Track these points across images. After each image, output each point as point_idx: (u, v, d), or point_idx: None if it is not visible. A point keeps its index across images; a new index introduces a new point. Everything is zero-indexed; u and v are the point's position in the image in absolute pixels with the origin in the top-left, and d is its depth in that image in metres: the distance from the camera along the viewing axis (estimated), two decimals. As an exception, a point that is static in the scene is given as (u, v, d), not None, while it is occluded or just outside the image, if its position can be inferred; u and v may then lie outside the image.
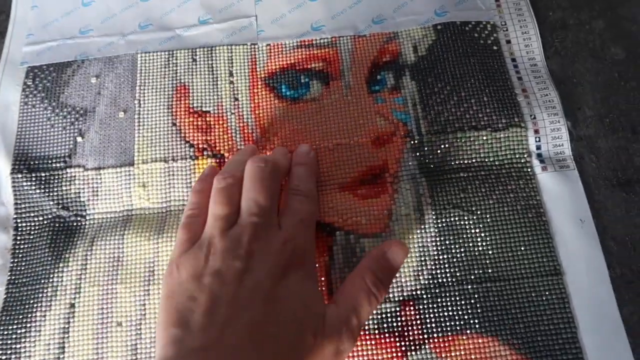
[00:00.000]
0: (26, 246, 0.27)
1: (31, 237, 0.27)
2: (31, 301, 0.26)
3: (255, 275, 0.22)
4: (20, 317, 0.26)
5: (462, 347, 0.25)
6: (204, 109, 0.30)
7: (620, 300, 0.25)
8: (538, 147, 0.29)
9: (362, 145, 0.29)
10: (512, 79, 0.30)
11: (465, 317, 0.25)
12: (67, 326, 0.26)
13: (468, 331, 0.25)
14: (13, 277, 0.27)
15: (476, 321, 0.25)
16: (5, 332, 0.25)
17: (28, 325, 0.26)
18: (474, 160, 0.28)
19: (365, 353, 0.25)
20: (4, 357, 0.25)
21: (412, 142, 0.29)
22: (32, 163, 0.29)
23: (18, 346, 0.25)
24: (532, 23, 0.32)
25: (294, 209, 0.25)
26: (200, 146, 0.29)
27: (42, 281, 0.26)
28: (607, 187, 0.28)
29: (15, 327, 0.26)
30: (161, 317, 0.21)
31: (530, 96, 0.30)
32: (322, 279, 0.26)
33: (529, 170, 0.28)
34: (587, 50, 0.31)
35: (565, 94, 0.30)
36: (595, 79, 0.31)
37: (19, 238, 0.27)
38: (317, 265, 0.26)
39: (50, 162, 0.29)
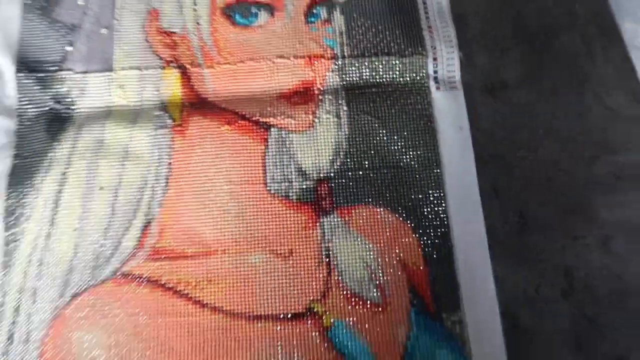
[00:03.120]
0: (27, 129, 0.34)
1: (31, 123, 0.34)
2: (32, 169, 0.33)
3: None
4: (24, 180, 0.33)
5: (361, 214, 0.32)
6: (171, 30, 0.36)
7: (479, 174, 0.33)
8: (435, 72, 0.35)
9: (298, 65, 0.35)
10: (421, 18, 0.37)
11: (365, 193, 0.33)
12: (60, 189, 0.33)
13: (366, 203, 0.33)
14: (18, 152, 0.33)
15: (373, 196, 0.33)
16: (14, 191, 0.32)
17: (30, 187, 0.33)
18: (384, 79, 0.35)
19: (288, 217, 0.32)
20: (14, 208, 0.32)
21: (336, 63, 0.35)
22: (32, 65, 0.35)
23: (23, 201, 0.32)
24: (444, -26, 0.38)
25: None
26: (167, 59, 0.35)
27: (41, 155, 0.33)
28: (480, 97, 0.35)
29: (21, 187, 0.33)
30: None
31: (433, 32, 0.36)
32: (259, 163, 0.33)
33: (426, 88, 0.35)
34: (485, -2, 0.38)
35: (460, 30, 0.36)
36: (484, 17, 0.37)
37: (21, 123, 0.34)
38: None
39: (46, 65, 0.35)
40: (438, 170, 0.33)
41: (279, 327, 0.31)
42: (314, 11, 0.37)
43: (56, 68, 0.35)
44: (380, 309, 0.31)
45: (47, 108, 0.35)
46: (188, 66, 0.35)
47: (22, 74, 0.35)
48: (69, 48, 0.35)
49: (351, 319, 0.31)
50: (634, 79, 0.35)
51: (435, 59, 0.36)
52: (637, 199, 0.33)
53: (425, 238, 0.32)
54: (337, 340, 0.31)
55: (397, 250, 0.32)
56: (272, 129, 0.34)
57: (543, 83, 0.35)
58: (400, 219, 0.33)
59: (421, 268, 0.32)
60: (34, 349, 0.30)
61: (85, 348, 0.30)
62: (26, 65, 0.35)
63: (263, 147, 0.34)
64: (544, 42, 0.36)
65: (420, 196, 0.33)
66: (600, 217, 0.33)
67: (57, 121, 0.34)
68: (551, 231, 0.32)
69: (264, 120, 0.34)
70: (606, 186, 0.33)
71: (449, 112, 0.35)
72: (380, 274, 0.32)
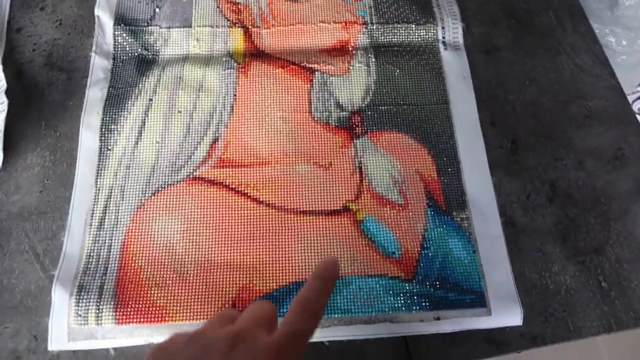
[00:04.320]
0: (121, 68, 0.42)
1: (123, 63, 0.43)
2: (124, 97, 0.41)
3: None
4: (118, 104, 0.41)
5: (387, 137, 0.40)
6: (236, 0, 0.46)
7: (480, 111, 0.41)
8: (443, 37, 0.45)
9: (336, 28, 0.44)
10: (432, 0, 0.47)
11: (390, 122, 0.41)
12: (147, 110, 0.40)
13: (391, 130, 0.40)
14: (112, 83, 0.42)
15: (396, 125, 0.41)
16: (109, 112, 0.40)
17: (122, 109, 0.40)
18: (403, 40, 0.44)
19: (328, 138, 0.40)
20: (108, 124, 0.39)
21: (366, 28, 0.44)
22: (127, 21, 0.44)
23: (116, 120, 0.40)
24: (448, -31, 0.49)
25: (292, 320, 0.23)
26: (234, 21, 0.45)
27: (131, 86, 0.41)
28: (478, 56, 0.44)
29: (115, 109, 0.40)
30: None
31: (442, 9, 0.46)
32: (306, 97, 0.41)
33: (436, 49, 0.44)
34: (481, -12, 0.48)
35: (462, 7, 0.46)
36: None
37: (115, 63, 0.43)
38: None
39: (138, 21, 0.44)
40: (447, 108, 0.42)
41: (321, 220, 0.38)
42: (348, -9, 0.47)
43: (146, 24, 0.44)
44: (402, 208, 0.38)
45: (136, 53, 0.43)
46: (250, 27, 0.44)
47: (119, 26, 0.44)
48: (157, 9, 0.45)
49: (379, 215, 0.38)
50: (597, 45, 0.45)
51: (443, 28, 0.45)
52: (601, 131, 0.41)
53: (438, 156, 0.40)
54: (368, 231, 0.37)
55: (415, 165, 0.40)
56: (316, 73, 0.42)
57: (525, 47, 0.45)
58: (418, 142, 0.40)
59: (435, 178, 0.39)
60: (120, 234, 0.37)
61: (162, 231, 0.37)
62: (122, 20, 0.44)
63: (309, 86, 0.42)
64: (525, 19, 0.46)
65: (433, 126, 0.41)
66: (574, 145, 0.41)
67: (145, 63, 0.43)
68: (537, 154, 0.40)
69: (310, 66, 0.43)
70: (578, 122, 0.42)
71: (455, 66, 0.43)
72: (402, 182, 0.39)
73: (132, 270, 0.36)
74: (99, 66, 0.43)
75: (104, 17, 0.44)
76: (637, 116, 0.68)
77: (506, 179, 0.39)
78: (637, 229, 0.37)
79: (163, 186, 0.39)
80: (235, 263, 0.36)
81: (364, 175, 0.39)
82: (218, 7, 0.46)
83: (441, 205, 0.38)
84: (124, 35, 0.44)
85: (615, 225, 0.38)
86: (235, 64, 0.43)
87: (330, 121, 0.41)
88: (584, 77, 0.44)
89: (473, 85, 0.43)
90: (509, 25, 0.46)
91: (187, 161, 0.40)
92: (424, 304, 0.35)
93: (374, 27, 0.45)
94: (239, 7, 0.46)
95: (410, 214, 0.38)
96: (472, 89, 0.43)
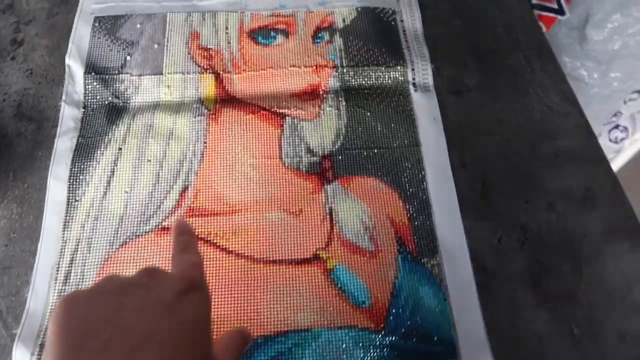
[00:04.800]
0: (91, 117, 0.42)
1: (93, 112, 0.42)
2: (94, 146, 0.41)
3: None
4: (87, 154, 0.40)
5: (357, 182, 0.40)
6: (208, 46, 0.46)
7: (450, 153, 0.41)
8: (413, 79, 0.45)
9: (307, 72, 0.45)
10: (402, 41, 0.47)
11: (360, 166, 0.41)
12: (116, 160, 0.40)
13: (361, 174, 0.40)
14: (82, 133, 0.41)
15: (366, 169, 0.41)
16: (78, 162, 0.40)
17: (91, 159, 0.40)
18: (374, 83, 0.45)
19: (298, 184, 0.40)
20: (77, 175, 0.39)
21: (337, 71, 0.45)
22: (98, 69, 0.44)
23: (85, 170, 0.40)
24: (417, 12, 0.49)
25: (184, 258, 0.26)
26: (205, 67, 0.45)
27: (101, 135, 0.41)
28: (449, 97, 0.44)
29: (84, 159, 0.40)
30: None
31: (411, 51, 0.47)
32: (276, 143, 0.41)
33: (407, 90, 0.44)
34: (447, 26, 0.49)
35: (432, 49, 0.47)
36: (449, 40, 0.48)
37: (86, 112, 0.42)
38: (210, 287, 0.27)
39: (109, 69, 0.44)
40: (418, 150, 0.42)
41: (291, 269, 0.37)
42: (319, 35, 0.47)
43: (117, 72, 0.44)
44: (373, 255, 0.38)
45: (107, 101, 0.43)
46: (221, 72, 0.45)
47: (89, 75, 0.44)
48: (128, 57, 0.45)
49: (349, 263, 0.37)
50: (565, 84, 0.45)
51: (413, 69, 0.45)
52: (573, 171, 0.41)
53: (409, 201, 0.40)
54: (338, 280, 0.37)
55: (386, 210, 0.39)
56: (286, 118, 0.43)
57: (495, 88, 0.45)
58: (389, 186, 0.40)
59: (406, 223, 0.39)
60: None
61: (129, 286, 0.36)
62: (93, 68, 0.44)
63: (279, 131, 0.42)
64: (495, 60, 0.47)
65: (404, 169, 0.41)
66: (545, 186, 0.41)
67: (115, 111, 0.43)
68: (508, 196, 0.40)
69: (280, 111, 0.43)
70: (548, 162, 0.42)
71: (425, 107, 0.44)
72: (373, 228, 0.39)
73: (97, 328, 0.35)
74: (68, 115, 0.43)
75: (74, 65, 0.44)
76: (614, 144, 0.69)
77: (477, 222, 0.39)
78: (608, 274, 0.37)
79: (131, 237, 0.38)
80: (203, 317, 0.35)
81: (334, 222, 0.39)
82: (189, 53, 0.46)
83: (412, 251, 0.38)
84: (94, 83, 0.44)
85: (586, 269, 0.38)
86: (205, 110, 0.43)
87: (300, 167, 0.41)
88: (553, 116, 0.44)
89: (443, 126, 0.43)
90: (479, 67, 0.46)
91: (157, 211, 0.39)
92: (394, 357, 0.34)
93: (345, 70, 0.45)
94: (210, 52, 0.46)
95: (381, 261, 0.38)
96: (443, 130, 0.43)
